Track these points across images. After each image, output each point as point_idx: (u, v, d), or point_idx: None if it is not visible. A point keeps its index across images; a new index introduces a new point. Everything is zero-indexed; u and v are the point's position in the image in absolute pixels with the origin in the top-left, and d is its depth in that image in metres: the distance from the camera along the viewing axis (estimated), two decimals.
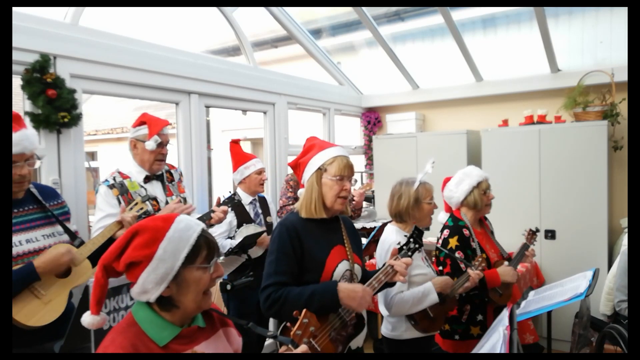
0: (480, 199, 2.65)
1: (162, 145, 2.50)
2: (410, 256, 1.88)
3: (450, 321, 2.54)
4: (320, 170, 1.87)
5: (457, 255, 2.50)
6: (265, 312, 1.76)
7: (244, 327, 1.39)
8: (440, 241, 2.61)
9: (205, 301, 1.28)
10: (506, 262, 2.60)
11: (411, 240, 1.92)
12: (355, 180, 2.24)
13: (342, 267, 1.84)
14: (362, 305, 1.74)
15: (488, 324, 2.58)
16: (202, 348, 1.29)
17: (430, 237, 3.83)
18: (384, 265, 1.90)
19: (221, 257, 2.82)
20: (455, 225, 2.62)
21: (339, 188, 1.85)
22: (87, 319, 1.26)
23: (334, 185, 1.85)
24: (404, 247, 1.90)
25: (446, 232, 2.62)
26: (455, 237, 2.57)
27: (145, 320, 1.23)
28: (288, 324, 1.32)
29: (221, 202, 2.66)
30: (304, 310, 1.34)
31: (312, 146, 1.97)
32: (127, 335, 1.19)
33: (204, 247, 1.26)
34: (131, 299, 1.82)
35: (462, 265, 2.48)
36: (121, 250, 1.22)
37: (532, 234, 2.85)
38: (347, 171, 1.87)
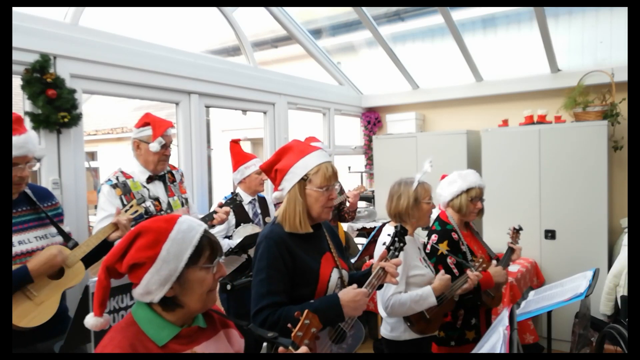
0: (465, 205, 2.56)
1: (165, 146, 2.50)
2: (397, 255, 1.82)
3: (445, 328, 2.49)
4: (304, 181, 1.71)
5: (449, 260, 2.46)
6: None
7: (244, 328, 1.38)
8: (429, 247, 2.53)
9: (209, 300, 1.28)
10: (494, 262, 2.55)
11: (396, 239, 1.84)
12: (340, 184, 2.15)
13: (335, 275, 1.76)
14: (362, 309, 1.66)
15: (481, 327, 2.57)
16: (202, 348, 1.28)
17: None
18: (376, 269, 1.81)
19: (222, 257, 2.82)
20: (443, 230, 2.56)
21: (325, 199, 1.73)
22: (90, 321, 1.26)
23: (319, 196, 1.71)
24: (391, 248, 1.83)
25: (434, 237, 2.55)
26: (445, 242, 2.51)
27: (144, 319, 1.23)
28: (289, 325, 1.30)
29: (223, 202, 2.66)
30: (306, 311, 1.29)
31: (288, 149, 1.78)
32: (125, 334, 1.19)
33: (206, 247, 1.26)
34: (131, 299, 1.82)
35: (455, 271, 2.46)
36: (124, 252, 1.22)
37: (516, 232, 2.77)
38: (333, 180, 1.74)
